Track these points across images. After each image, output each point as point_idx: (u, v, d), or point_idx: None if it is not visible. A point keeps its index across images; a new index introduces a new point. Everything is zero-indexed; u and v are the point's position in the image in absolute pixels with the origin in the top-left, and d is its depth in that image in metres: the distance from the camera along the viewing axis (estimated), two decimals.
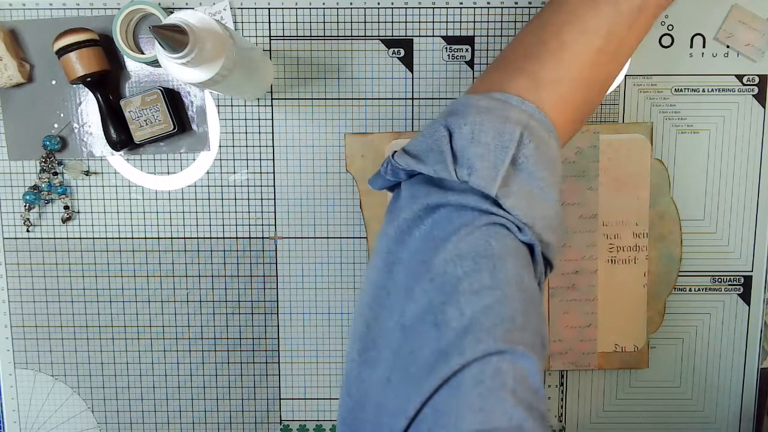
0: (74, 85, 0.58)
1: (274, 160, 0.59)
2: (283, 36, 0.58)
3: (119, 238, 0.60)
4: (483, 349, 0.32)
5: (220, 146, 0.59)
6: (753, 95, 0.58)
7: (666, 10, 0.44)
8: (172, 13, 0.56)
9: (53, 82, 0.58)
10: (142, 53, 0.57)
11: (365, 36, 0.58)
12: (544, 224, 0.38)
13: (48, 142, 0.58)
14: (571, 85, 0.41)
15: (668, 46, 0.58)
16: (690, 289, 0.60)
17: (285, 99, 0.59)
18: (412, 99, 0.58)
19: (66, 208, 0.59)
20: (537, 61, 0.41)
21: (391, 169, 0.40)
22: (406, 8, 0.57)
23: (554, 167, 0.39)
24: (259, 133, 0.59)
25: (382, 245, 0.39)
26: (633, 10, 0.41)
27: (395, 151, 0.40)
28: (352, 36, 0.58)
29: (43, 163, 0.58)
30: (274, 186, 0.60)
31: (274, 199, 0.60)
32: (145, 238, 0.60)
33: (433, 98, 0.58)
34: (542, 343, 0.35)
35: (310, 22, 0.58)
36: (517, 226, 0.37)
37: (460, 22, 0.57)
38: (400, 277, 0.37)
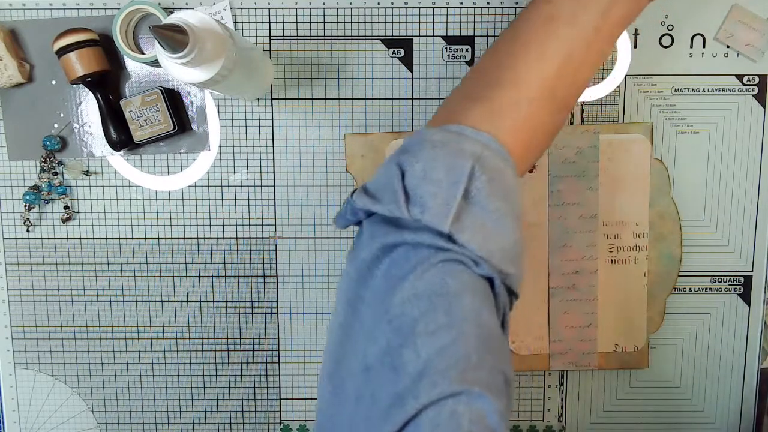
0: (74, 85, 0.58)
1: (274, 160, 0.59)
2: (283, 36, 0.58)
3: (119, 238, 0.60)
4: (438, 393, 0.32)
5: (220, 146, 0.59)
6: (753, 95, 0.58)
7: (626, 28, 0.44)
8: (172, 13, 0.56)
9: (53, 82, 0.58)
10: (142, 53, 0.57)
11: (365, 36, 0.58)
12: (502, 256, 0.37)
13: (48, 142, 0.58)
14: (530, 108, 0.40)
15: (668, 46, 0.58)
16: (690, 289, 0.60)
17: (285, 99, 0.59)
18: (412, 99, 0.58)
19: (66, 208, 0.59)
20: (496, 85, 0.40)
21: (351, 208, 0.40)
22: (406, 8, 0.57)
23: (510, 196, 0.38)
24: (259, 133, 0.59)
25: (345, 285, 0.39)
26: (590, 30, 0.41)
27: (355, 190, 0.40)
28: (352, 36, 0.58)
29: (43, 163, 0.58)
30: (274, 186, 0.60)
31: (274, 199, 0.60)
32: (145, 238, 0.60)
33: (433, 98, 0.58)
34: (504, 379, 0.35)
35: (310, 22, 0.58)
36: (474, 261, 0.36)
37: (460, 22, 0.57)
38: (363, 317, 0.37)
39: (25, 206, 0.59)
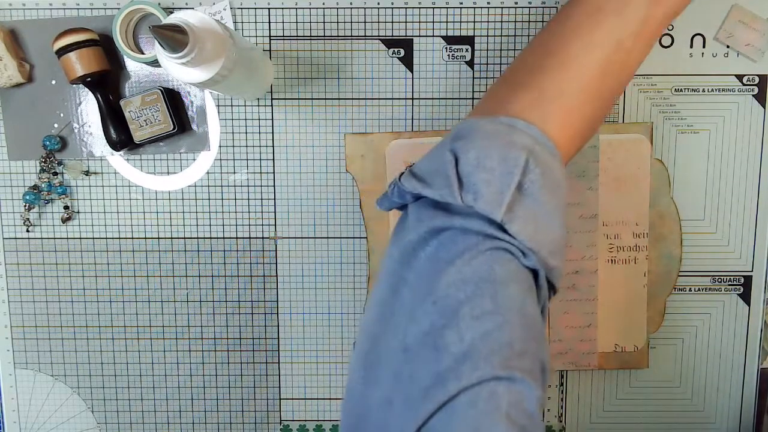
0: (74, 85, 0.58)
1: (274, 160, 0.59)
2: (283, 36, 0.58)
3: (119, 238, 0.60)
4: (479, 376, 0.32)
5: (220, 146, 0.59)
6: (753, 95, 0.58)
7: (673, 20, 0.44)
8: (172, 13, 0.56)
9: (53, 82, 0.58)
10: (142, 53, 0.57)
11: (365, 36, 0.58)
12: (550, 249, 0.38)
13: (48, 142, 0.58)
14: (578, 98, 0.40)
15: (668, 46, 0.58)
16: (690, 289, 0.60)
17: (285, 99, 0.59)
18: (412, 99, 0.58)
19: (66, 208, 0.59)
20: (543, 74, 0.41)
21: (398, 191, 0.40)
22: (406, 8, 0.57)
23: (559, 191, 0.39)
24: (259, 133, 0.59)
25: (387, 266, 0.40)
26: (639, 21, 0.41)
27: (402, 173, 0.40)
28: (352, 36, 0.58)
29: (43, 163, 0.58)
30: (274, 186, 0.60)
31: (274, 199, 0.60)
32: (145, 238, 0.60)
33: (433, 98, 0.58)
34: (542, 368, 0.35)
35: (310, 22, 0.58)
36: (522, 251, 0.37)
37: (460, 22, 0.57)
38: (404, 298, 0.37)
39: (25, 206, 0.59)
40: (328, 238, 0.60)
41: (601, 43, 0.41)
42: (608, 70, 0.41)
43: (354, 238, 0.60)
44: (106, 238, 0.60)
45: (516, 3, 0.57)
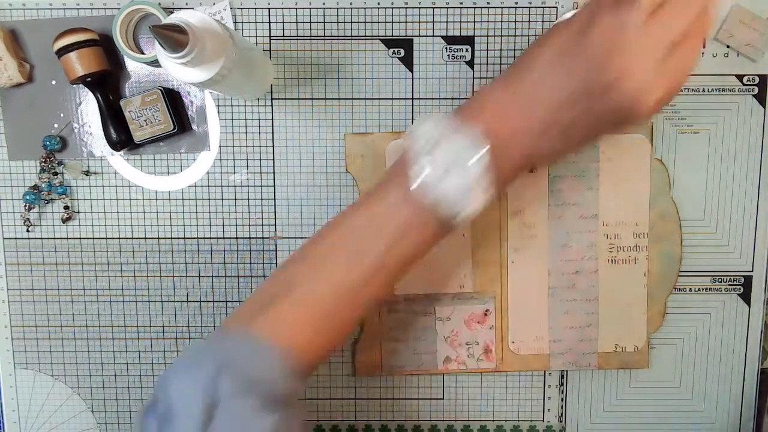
0: (74, 85, 0.58)
1: (274, 160, 0.59)
2: (283, 36, 0.58)
3: (119, 238, 0.60)
4: None
5: (220, 146, 0.59)
6: (753, 95, 0.58)
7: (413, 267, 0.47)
8: (172, 13, 0.56)
9: (53, 82, 0.58)
10: (142, 53, 0.57)
11: (365, 36, 0.58)
12: None
13: (48, 142, 0.58)
14: (314, 323, 0.44)
15: None
16: (690, 289, 0.60)
17: (285, 99, 0.59)
18: (412, 99, 0.58)
19: (66, 208, 0.59)
20: (278, 299, 0.44)
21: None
22: (406, 8, 0.57)
23: (261, 386, 0.41)
24: (259, 133, 0.59)
25: None
26: (372, 269, 0.44)
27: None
28: (352, 36, 0.58)
29: (43, 163, 0.58)
30: (274, 186, 0.60)
31: (274, 199, 0.60)
32: (145, 238, 0.60)
33: (433, 98, 0.58)
34: None
35: (310, 22, 0.58)
36: None
37: (460, 22, 0.57)
38: None
39: (25, 206, 0.59)
40: None
41: (330, 281, 0.44)
42: (339, 303, 0.44)
43: None
44: (106, 238, 0.60)
45: (516, 3, 0.57)
